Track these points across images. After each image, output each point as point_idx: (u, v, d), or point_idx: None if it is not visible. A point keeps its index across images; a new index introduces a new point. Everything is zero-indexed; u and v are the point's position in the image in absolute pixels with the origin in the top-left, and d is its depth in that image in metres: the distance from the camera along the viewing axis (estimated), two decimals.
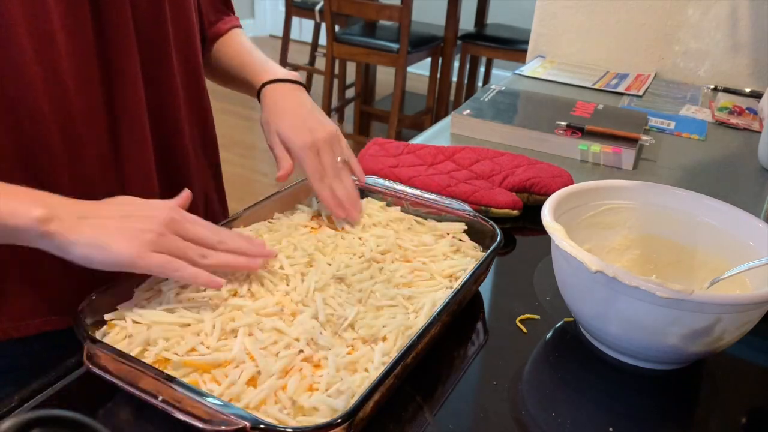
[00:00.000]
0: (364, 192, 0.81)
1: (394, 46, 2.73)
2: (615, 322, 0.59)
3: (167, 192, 0.80)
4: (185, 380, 0.50)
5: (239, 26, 0.91)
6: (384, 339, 0.57)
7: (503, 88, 1.31)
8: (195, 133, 0.81)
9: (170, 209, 0.58)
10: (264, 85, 0.79)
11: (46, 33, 0.60)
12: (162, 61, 0.73)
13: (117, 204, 0.58)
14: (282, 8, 3.60)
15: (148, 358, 0.52)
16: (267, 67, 0.82)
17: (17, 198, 0.54)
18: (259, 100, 0.80)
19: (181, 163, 0.79)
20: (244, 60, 0.85)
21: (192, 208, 0.80)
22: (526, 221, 0.87)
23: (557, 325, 0.67)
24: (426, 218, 0.77)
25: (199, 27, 0.82)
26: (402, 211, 0.78)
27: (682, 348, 0.57)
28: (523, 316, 0.67)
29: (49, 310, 0.69)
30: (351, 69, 3.54)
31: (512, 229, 0.84)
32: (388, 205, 0.79)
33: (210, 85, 0.88)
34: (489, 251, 0.67)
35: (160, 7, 0.70)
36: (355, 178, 0.77)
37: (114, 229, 0.55)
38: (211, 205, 0.88)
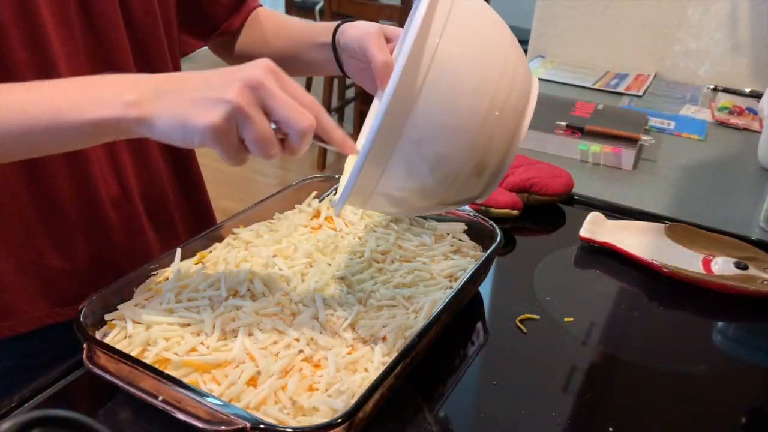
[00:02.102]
0: None
1: None
2: None
3: (174, 180, 0.80)
4: (185, 380, 0.50)
5: (258, 5, 0.87)
6: (384, 339, 0.56)
7: None
8: None
9: (259, 69, 0.48)
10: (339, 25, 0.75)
11: (35, 26, 0.60)
12: (156, 58, 0.72)
13: (199, 74, 0.51)
14: (282, 8, 3.60)
15: (148, 359, 0.52)
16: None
17: (99, 87, 0.50)
18: (335, 41, 0.74)
19: (187, 154, 0.80)
20: (298, 24, 0.81)
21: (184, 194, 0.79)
22: (526, 221, 0.87)
23: (557, 325, 0.67)
24: (426, 218, 0.77)
25: (199, 14, 0.81)
26: None
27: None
28: (523, 316, 0.67)
29: (49, 304, 0.69)
30: None
31: (512, 229, 0.84)
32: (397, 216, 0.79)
33: None
34: (489, 251, 0.67)
35: (150, 5, 0.70)
36: None
37: (190, 100, 0.48)
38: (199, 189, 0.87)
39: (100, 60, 0.67)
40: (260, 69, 0.48)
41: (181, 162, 0.80)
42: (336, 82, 3.23)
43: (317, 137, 0.51)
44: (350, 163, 0.57)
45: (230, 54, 0.86)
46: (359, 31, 0.65)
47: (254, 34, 0.84)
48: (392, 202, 0.52)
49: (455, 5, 0.48)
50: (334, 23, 0.74)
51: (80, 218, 0.68)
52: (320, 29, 0.76)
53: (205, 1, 0.80)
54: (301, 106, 0.48)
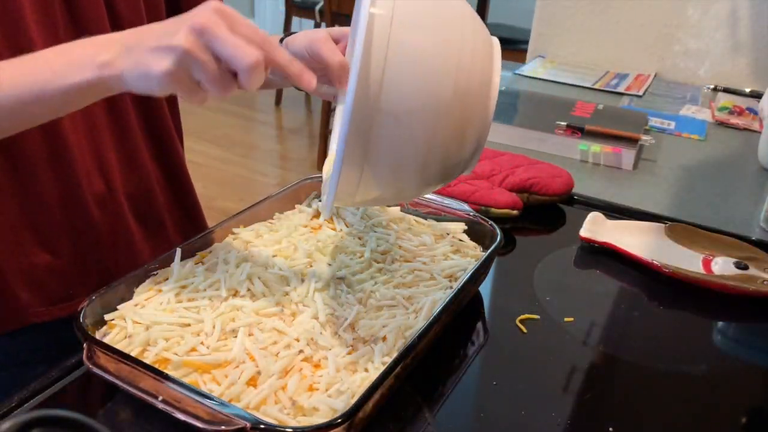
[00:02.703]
0: None
1: None
2: None
3: (162, 178, 0.80)
4: (185, 380, 0.50)
5: None
6: (384, 339, 0.56)
7: (503, 88, 1.31)
8: (177, 121, 0.82)
9: (207, 11, 0.50)
10: None
11: (18, 29, 0.60)
12: None
13: (159, 23, 0.53)
14: (282, 8, 3.59)
15: (148, 358, 0.52)
16: None
17: (75, 51, 0.53)
18: None
19: (174, 152, 0.80)
20: None
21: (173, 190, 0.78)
22: (526, 221, 0.87)
23: (557, 325, 0.67)
24: (426, 218, 0.77)
25: None
26: (402, 211, 0.78)
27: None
28: (523, 316, 0.67)
29: (35, 303, 0.69)
30: None
31: (512, 229, 0.84)
32: (388, 205, 0.79)
33: None
34: (489, 251, 0.67)
35: (136, 2, 0.70)
36: None
37: (148, 50, 0.50)
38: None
39: None
40: (207, 11, 0.49)
41: (168, 160, 0.80)
42: None
43: (276, 73, 0.52)
44: (329, 165, 0.57)
45: None
46: (305, 39, 0.65)
47: None
48: (379, 195, 0.53)
49: None
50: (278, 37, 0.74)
51: (65, 217, 0.68)
52: None
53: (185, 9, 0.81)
54: (248, 43, 0.49)
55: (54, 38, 0.63)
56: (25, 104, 0.52)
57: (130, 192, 0.74)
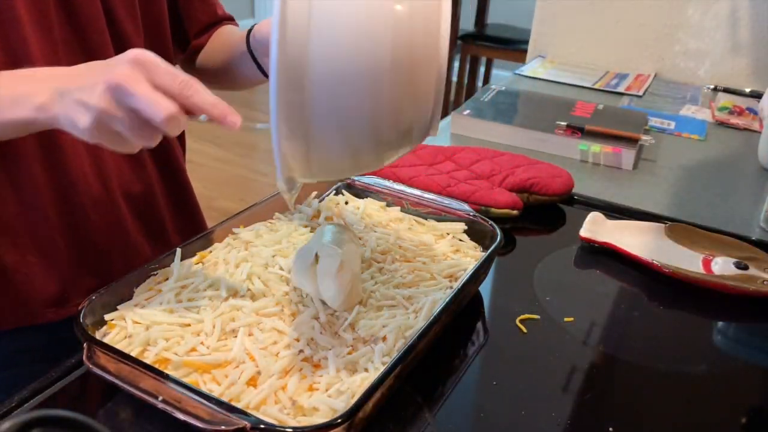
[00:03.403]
0: (364, 192, 0.81)
1: None
2: None
3: (161, 179, 0.80)
4: (185, 380, 0.50)
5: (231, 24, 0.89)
6: (384, 339, 0.57)
7: (503, 88, 1.31)
8: None
9: (123, 66, 0.50)
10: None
11: (12, 28, 0.60)
12: None
13: (84, 69, 0.54)
14: None
15: (148, 358, 0.52)
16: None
17: (18, 86, 0.54)
18: (248, 43, 0.75)
19: (172, 152, 0.80)
20: (235, 36, 0.82)
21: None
22: (526, 221, 0.87)
23: (557, 325, 0.67)
24: (426, 218, 0.77)
25: (180, 30, 0.81)
26: (402, 211, 0.78)
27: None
28: (523, 316, 0.67)
29: (32, 305, 0.69)
30: None
31: (512, 229, 0.84)
32: (388, 205, 0.79)
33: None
34: (489, 251, 0.67)
35: (131, 2, 0.70)
36: None
37: (74, 102, 0.51)
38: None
39: (81, 60, 0.67)
40: (125, 64, 0.50)
41: (167, 161, 0.80)
42: None
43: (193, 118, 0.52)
44: None
45: (192, 66, 0.86)
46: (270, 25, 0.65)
47: (209, 47, 0.86)
48: (337, 166, 0.51)
49: None
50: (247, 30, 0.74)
51: (61, 220, 0.68)
52: (241, 38, 0.76)
53: (185, 17, 0.81)
54: (163, 96, 0.49)
55: (49, 38, 0.63)
56: None
57: (129, 193, 0.74)
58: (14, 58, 0.60)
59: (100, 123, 0.50)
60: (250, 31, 0.74)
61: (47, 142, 0.65)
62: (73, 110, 0.51)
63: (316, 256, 0.60)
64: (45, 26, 0.63)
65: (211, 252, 0.67)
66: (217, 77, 0.86)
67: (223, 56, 0.83)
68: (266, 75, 0.72)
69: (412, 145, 0.53)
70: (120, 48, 0.70)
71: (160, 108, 0.49)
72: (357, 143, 0.48)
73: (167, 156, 0.80)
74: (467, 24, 3.19)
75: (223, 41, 0.84)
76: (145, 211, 0.77)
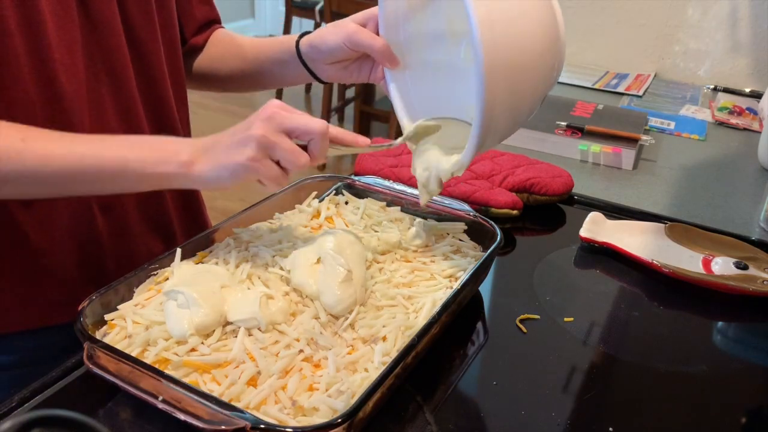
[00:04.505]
0: (364, 192, 0.81)
1: None
2: None
3: (174, 193, 0.80)
4: (185, 380, 0.50)
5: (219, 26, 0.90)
6: (384, 339, 0.56)
7: None
8: (185, 127, 0.82)
9: (270, 108, 0.59)
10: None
11: (35, 23, 0.60)
12: (153, 60, 0.73)
13: (227, 131, 0.61)
14: (282, 8, 3.60)
15: (148, 358, 0.52)
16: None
17: (161, 147, 0.60)
18: (299, 52, 0.78)
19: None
20: (252, 43, 0.85)
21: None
22: (526, 221, 0.87)
23: (557, 325, 0.67)
24: (426, 218, 0.77)
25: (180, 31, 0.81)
26: (402, 211, 0.78)
27: None
28: (523, 316, 0.67)
29: (39, 307, 0.69)
30: None
31: (512, 229, 0.84)
32: (388, 205, 0.79)
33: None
34: (489, 251, 0.67)
35: (147, 5, 0.70)
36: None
37: (226, 148, 0.59)
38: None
39: (97, 60, 0.67)
40: (270, 108, 0.59)
41: None
42: (336, 83, 3.23)
43: (333, 144, 0.61)
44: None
45: (189, 73, 0.85)
46: (338, 35, 0.70)
47: (215, 52, 0.86)
48: (501, 137, 0.62)
49: None
50: (287, 39, 0.78)
51: (70, 222, 0.68)
52: (276, 47, 0.80)
53: (182, 15, 0.81)
54: (311, 118, 0.59)
55: (69, 36, 0.63)
56: (99, 178, 0.60)
57: (138, 195, 0.74)
58: (36, 47, 0.61)
59: (259, 150, 0.57)
60: (302, 35, 0.77)
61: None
62: (228, 153, 0.58)
63: (318, 258, 0.61)
64: (67, 22, 0.63)
65: (211, 252, 0.67)
66: (225, 83, 0.86)
67: (241, 64, 0.84)
68: (315, 76, 0.77)
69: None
70: (135, 50, 0.70)
71: (316, 123, 0.58)
72: (525, 118, 0.61)
73: None
74: None
75: (236, 51, 0.85)
76: (154, 215, 0.77)
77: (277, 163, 0.59)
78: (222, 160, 0.58)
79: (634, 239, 0.81)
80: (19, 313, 0.69)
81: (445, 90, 0.70)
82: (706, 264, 0.78)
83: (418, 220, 0.75)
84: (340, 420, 0.46)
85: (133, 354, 0.52)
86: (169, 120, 0.77)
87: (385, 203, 0.79)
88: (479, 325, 0.68)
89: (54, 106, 0.63)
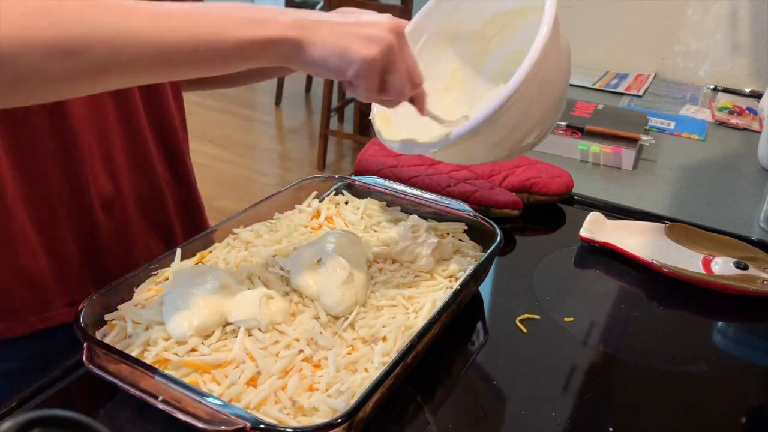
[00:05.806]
0: (364, 192, 0.81)
1: None
2: None
3: (170, 176, 0.80)
4: (185, 380, 0.50)
5: None
6: (384, 339, 0.57)
7: None
8: (183, 124, 0.82)
9: (395, 31, 0.54)
10: None
11: None
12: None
13: (344, 14, 0.56)
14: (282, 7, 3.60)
15: (148, 359, 0.52)
16: None
17: (258, 10, 0.52)
18: None
19: (182, 154, 0.80)
20: None
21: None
22: (526, 221, 0.87)
23: (557, 325, 0.67)
24: (426, 218, 0.77)
25: None
26: (402, 211, 0.78)
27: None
28: (523, 316, 0.67)
29: (41, 308, 0.69)
30: None
31: (512, 229, 0.84)
32: (388, 205, 0.79)
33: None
34: (489, 251, 0.67)
35: None
36: None
37: (346, 34, 0.52)
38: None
39: None
40: (398, 25, 0.54)
41: (177, 163, 0.80)
42: (336, 82, 3.23)
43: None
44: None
45: None
46: None
47: None
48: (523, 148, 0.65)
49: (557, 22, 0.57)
50: None
51: (71, 221, 0.68)
52: None
53: None
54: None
55: None
56: (195, 50, 0.50)
57: (139, 195, 0.74)
58: None
59: (383, 58, 0.52)
60: None
61: (62, 144, 0.65)
62: (352, 40, 0.51)
63: (319, 260, 0.61)
64: None
65: (211, 252, 0.67)
66: (218, 80, 0.86)
67: None
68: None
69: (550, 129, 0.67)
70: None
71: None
72: (541, 134, 0.65)
73: (177, 157, 0.80)
74: None
75: None
76: (154, 214, 0.77)
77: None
78: (341, 44, 0.51)
79: (634, 239, 0.81)
80: (18, 313, 0.69)
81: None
82: (706, 264, 0.78)
83: (402, 223, 0.73)
84: (340, 420, 0.46)
85: (133, 354, 0.52)
86: (168, 114, 0.77)
87: (385, 203, 0.79)
88: (479, 325, 0.68)
89: (54, 105, 0.63)
